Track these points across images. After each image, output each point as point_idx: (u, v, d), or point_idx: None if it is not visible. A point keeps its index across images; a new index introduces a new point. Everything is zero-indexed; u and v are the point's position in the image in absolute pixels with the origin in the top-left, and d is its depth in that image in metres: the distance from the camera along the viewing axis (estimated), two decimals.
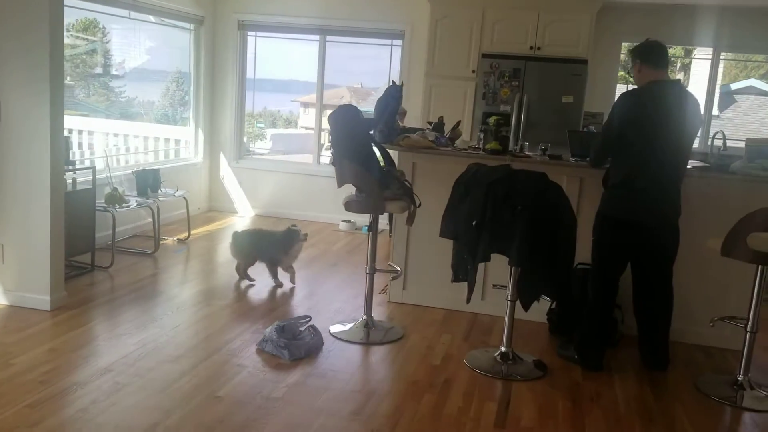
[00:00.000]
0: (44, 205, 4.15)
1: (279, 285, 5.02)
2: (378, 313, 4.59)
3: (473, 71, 6.28)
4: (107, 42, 7.84)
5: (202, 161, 7.71)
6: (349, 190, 4.10)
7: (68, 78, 8.28)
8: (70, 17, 7.00)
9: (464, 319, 4.60)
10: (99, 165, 6.66)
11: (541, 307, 4.34)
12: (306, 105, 10.60)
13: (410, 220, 4.14)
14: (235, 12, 7.47)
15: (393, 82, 4.46)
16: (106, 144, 7.79)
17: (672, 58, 11.94)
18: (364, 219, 5.97)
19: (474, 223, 3.48)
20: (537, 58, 6.14)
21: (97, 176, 5.69)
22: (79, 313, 4.24)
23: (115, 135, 7.94)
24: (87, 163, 6.65)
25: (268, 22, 7.49)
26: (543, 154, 4.39)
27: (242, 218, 7.59)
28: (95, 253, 5.20)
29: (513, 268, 3.65)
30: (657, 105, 3.64)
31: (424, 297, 4.78)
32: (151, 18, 7.48)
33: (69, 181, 4.99)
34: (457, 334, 4.32)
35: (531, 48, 6.14)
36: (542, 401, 3.46)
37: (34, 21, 4.00)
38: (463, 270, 3.69)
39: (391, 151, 4.64)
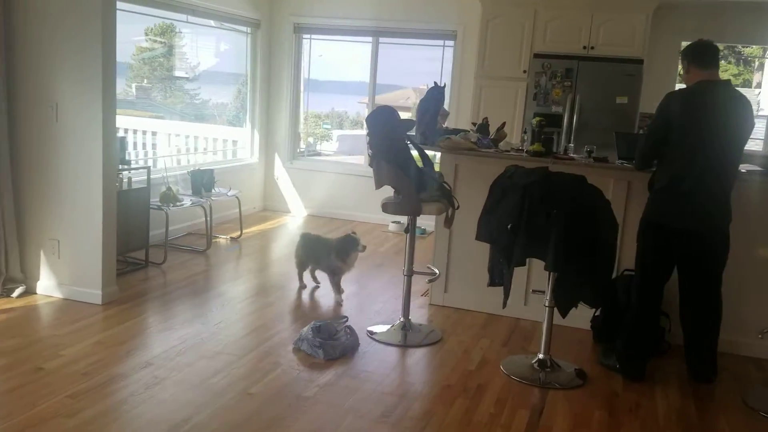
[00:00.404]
0: (97, 203, 4.32)
1: (339, 301, 4.79)
2: (418, 316, 4.58)
3: (524, 71, 6.19)
4: (183, 46, 8.11)
5: (257, 162, 7.86)
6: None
7: (145, 80, 8.65)
8: (148, 22, 7.28)
9: (505, 324, 4.54)
10: (160, 164, 6.91)
11: (586, 314, 4.25)
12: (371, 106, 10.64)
13: (448, 222, 4.12)
14: (290, 15, 7.58)
15: (435, 83, 4.43)
16: (167, 144, 8.06)
17: (749, 57, 11.45)
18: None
19: (509, 227, 3.42)
20: (590, 58, 5.99)
21: (155, 176, 5.93)
22: (129, 308, 4.39)
23: (177, 135, 8.18)
24: (150, 163, 6.86)
25: (322, 25, 7.58)
26: (588, 157, 4.28)
27: (295, 218, 7.70)
28: (149, 249, 5.37)
29: (550, 273, 3.58)
30: (704, 105, 3.50)
31: (465, 300, 4.74)
32: (211, 22, 7.71)
33: (125, 180, 5.19)
34: (496, 339, 4.26)
35: (584, 47, 6.00)
36: (578, 410, 3.37)
37: (86, 23, 4.16)
38: (499, 274, 3.64)
39: (433, 153, 4.64)
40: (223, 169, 7.23)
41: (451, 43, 7.09)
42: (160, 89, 8.52)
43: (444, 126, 4.77)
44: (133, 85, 8.77)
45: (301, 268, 5.08)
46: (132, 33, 7.70)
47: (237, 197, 6.38)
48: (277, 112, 7.87)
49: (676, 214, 3.56)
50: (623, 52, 5.92)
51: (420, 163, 4.10)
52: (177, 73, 8.92)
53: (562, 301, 3.51)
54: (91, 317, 4.19)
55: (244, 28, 7.51)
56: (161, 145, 8.05)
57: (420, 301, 4.91)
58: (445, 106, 7.00)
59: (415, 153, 4.06)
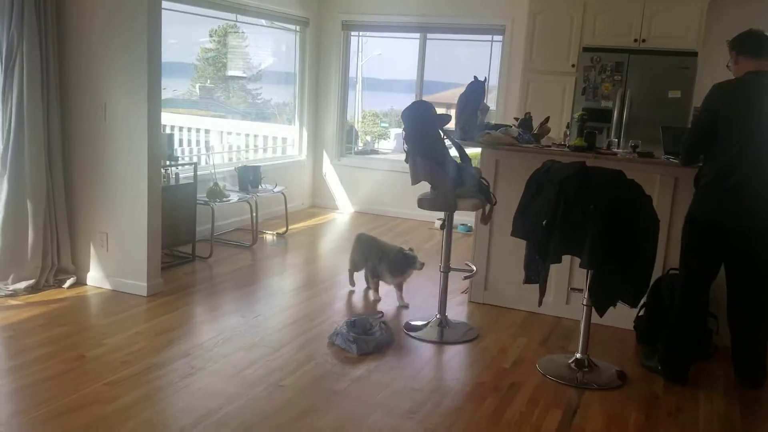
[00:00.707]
0: (142, 198, 4.44)
1: (404, 306, 4.65)
2: (456, 313, 4.54)
3: (573, 65, 6.05)
4: (246, 46, 8.29)
5: (305, 159, 7.94)
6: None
7: (208, 81, 8.88)
8: (212, 24, 7.46)
9: (545, 323, 4.45)
10: (216, 160, 7.08)
11: (629, 313, 4.13)
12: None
13: (485, 219, 4.06)
14: (339, 12, 7.62)
15: (475, 77, 4.38)
16: (220, 141, 8.24)
17: None
18: (460, 217, 5.94)
19: (544, 223, 3.35)
20: (641, 51, 5.81)
21: (203, 172, 6.06)
22: (172, 300, 4.50)
23: (229, 133, 8.35)
24: (202, 160, 7.01)
25: (370, 22, 7.59)
26: (632, 152, 4.15)
27: (342, 215, 7.74)
28: (196, 244, 5.49)
29: (588, 270, 3.49)
30: (752, 97, 3.35)
31: (505, 298, 4.67)
32: (263, 22, 7.83)
33: (172, 176, 5.32)
34: (534, 338, 4.18)
35: (635, 40, 5.82)
36: (613, 412, 3.28)
37: (131, 22, 4.28)
38: (535, 271, 3.57)
39: (474, 149, 4.59)
40: (273, 166, 7.34)
41: (500, 37, 7.00)
42: (223, 89, 8.72)
43: (486, 121, 4.71)
44: (197, 86, 9.03)
45: (353, 268, 4.95)
46: (198, 35, 7.95)
47: (283, 193, 6.46)
48: (325, 110, 7.92)
49: (722, 210, 3.42)
50: (676, 44, 5.72)
51: (459, 159, 4.06)
52: (234, 73, 9.14)
53: (600, 300, 3.41)
54: (135, 308, 4.31)
55: (293, 27, 7.59)
56: (214, 143, 8.24)
57: (460, 298, 4.87)
58: (492, 102, 6.99)
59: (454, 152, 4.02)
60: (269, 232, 6.57)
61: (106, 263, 4.64)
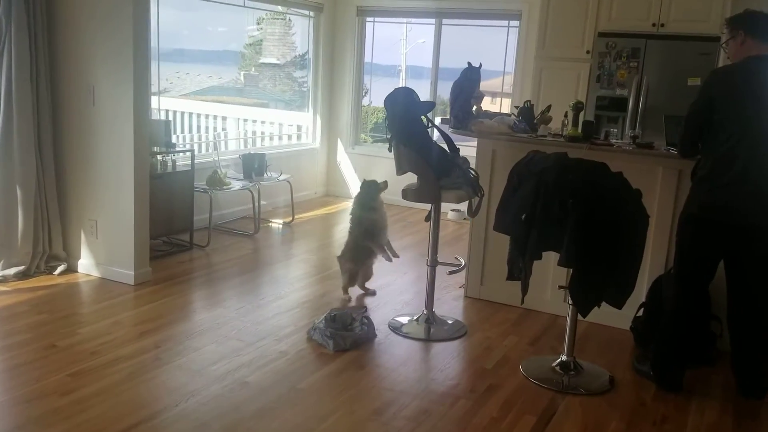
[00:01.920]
0: (129, 185, 4.38)
1: (394, 256, 4.46)
2: (450, 308, 4.38)
3: (587, 52, 5.77)
4: (293, 33, 8.26)
5: (319, 147, 7.82)
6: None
7: (253, 69, 8.89)
8: (260, 13, 7.45)
9: (540, 321, 4.25)
10: (229, 147, 7.03)
11: (629, 313, 3.90)
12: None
13: (472, 211, 3.88)
14: None
15: (469, 63, 4.18)
16: (236, 128, 8.19)
17: None
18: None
19: (523, 217, 3.15)
20: (660, 36, 5.50)
21: (206, 159, 6.01)
22: (159, 290, 4.44)
23: (245, 120, 8.28)
24: (210, 147, 6.96)
25: (386, 7, 7.41)
26: (632, 143, 3.90)
27: None
28: (194, 232, 5.43)
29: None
30: (755, 83, 3.09)
31: (501, 294, 4.47)
32: (279, 8, 7.73)
33: (168, 163, 5.27)
34: (525, 337, 3.99)
35: (653, 25, 5.51)
36: (591, 420, 3.08)
37: (119, 3, 4.20)
38: (518, 268, 3.38)
39: (463, 139, 4.40)
40: (286, 153, 7.27)
41: (516, 23, 6.74)
42: (270, 77, 8.70)
43: (483, 110, 4.50)
44: (242, 73, 9.05)
45: (350, 282, 4.54)
46: (245, 23, 7.95)
47: (288, 182, 6.35)
48: (339, 97, 7.79)
49: (719, 206, 3.17)
50: (698, 28, 5.39)
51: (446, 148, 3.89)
52: (266, 60, 9.12)
53: (581, 300, 3.20)
54: (119, 297, 4.26)
55: (306, 12, 7.47)
56: (230, 130, 8.19)
57: (457, 293, 4.70)
58: (510, 89, 6.76)
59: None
60: (275, 221, 6.49)
61: (96, 251, 4.61)
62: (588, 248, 3.02)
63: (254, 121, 8.21)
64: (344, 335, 3.68)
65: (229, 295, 4.44)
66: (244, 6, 6.67)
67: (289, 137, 7.96)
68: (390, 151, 3.79)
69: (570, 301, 3.39)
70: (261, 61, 8.77)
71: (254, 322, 3.97)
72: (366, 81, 7.94)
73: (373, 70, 10.56)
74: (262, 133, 8.02)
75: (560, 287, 3.70)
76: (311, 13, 7.50)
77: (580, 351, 3.69)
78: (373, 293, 4.52)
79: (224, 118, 8.42)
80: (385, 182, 4.43)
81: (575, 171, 3.03)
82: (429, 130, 3.90)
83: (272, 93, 8.82)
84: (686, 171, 3.82)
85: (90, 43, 4.35)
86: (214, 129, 8.31)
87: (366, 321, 3.87)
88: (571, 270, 3.28)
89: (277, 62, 8.65)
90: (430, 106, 3.84)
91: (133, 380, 3.19)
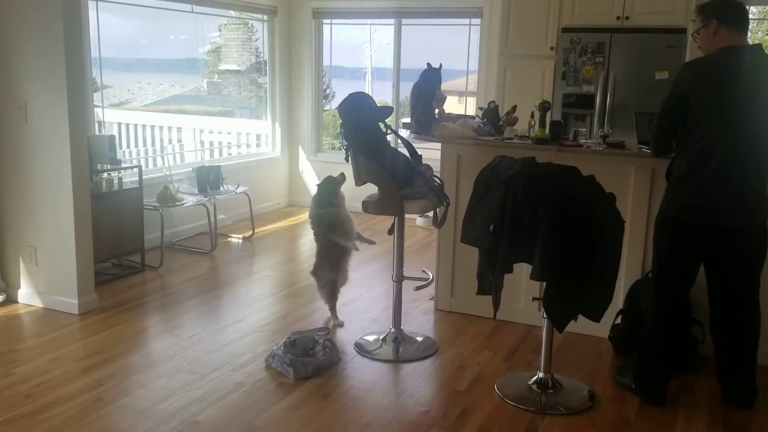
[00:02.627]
0: (68, 207, 4.06)
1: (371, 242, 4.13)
2: (418, 324, 4.13)
3: (552, 48, 5.57)
4: (256, 39, 7.91)
5: (280, 155, 7.53)
6: None
7: (216, 76, 8.57)
8: (222, 20, 7.14)
9: (515, 333, 4.02)
10: (184, 159, 6.70)
11: (606, 321, 3.69)
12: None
13: (438, 221, 3.64)
14: (309, 0, 7.19)
15: (428, 64, 3.94)
16: (192, 139, 7.85)
17: None
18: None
19: (491, 228, 2.92)
20: (625, 30, 5.33)
21: (156, 175, 5.69)
22: (106, 318, 4.12)
23: (201, 131, 7.95)
24: (158, 161, 6.63)
25: (343, 8, 7.16)
26: (602, 142, 3.70)
27: None
28: (145, 253, 5.11)
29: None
30: (731, 75, 2.89)
31: (473, 305, 4.23)
32: (232, 12, 7.44)
33: (115, 180, 4.95)
34: (500, 352, 3.76)
35: (618, 18, 5.33)
36: None
37: (49, 19, 3.89)
38: (488, 281, 3.14)
39: (427, 144, 4.17)
40: (245, 164, 6.98)
41: (477, 21, 6.53)
42: (235, 84, 8.37)
43: (446, 112, 4.27)
44: (205, 81, 8.74)
45: (332, 296, 4.15)
46: (206, 30, 7.74)
47: (247, 194, 6.06)
48: (299, 103, 7.51)
49: (696, 207, 2.97)
50: (663, 20, 5.23)
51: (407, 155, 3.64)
52: (227, 66, 8.82)
53: (556, 314, 2.98)
54: (62, 329, 3.94)
55: (260, 16, 7.17)
56: (186, 141, 7.85)
57: (426, 305, 4.46)
58: (474, 88, 6.55)
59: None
60: (234, 235, 6.18)
61: (36, 279, 4.28)
62: (561, 259, 2.80)
63: (211, 132, 7.88)
64: (305, 362, 3.42)
65: (182, 321, 4.14)
66: (192, 12, 6.35)
67: (248, 146, 7.66)
68: (347, 161, 3.53)
69: (545, 315, 3.16)
70: (221, 67, 8.51)
71: (208, 351, 3.68)
72: (332, 84, 7.68)
73: (338, 73, 10.30)
74: (220, 143, 7.71)
75: (534, 299, 3.48)
76: (265, 17, 7.20)
77: (558, 364, 3.47)
78: (341, 325, 4.20)
79: (179, 129, 8.07)
80: (342, 174, 4.06)
81: (544, 177, 2.80)
82: (388, 136, 3.64)
83: (238, 100, 8.54)
84: (660, 170, 3.63)
85: (21, 55, 4.02)
86: (170, 141, 7.96)
87: (329, 344, 3.61)
88: (544, 282, 3.05)
89: (238, 68, 8.37)
90: (388, 111, 3.59)
91: (71, 426, 2.88)
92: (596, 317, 2.96)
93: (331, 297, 4.11)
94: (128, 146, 7.57)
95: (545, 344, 3.26)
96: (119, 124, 7.73)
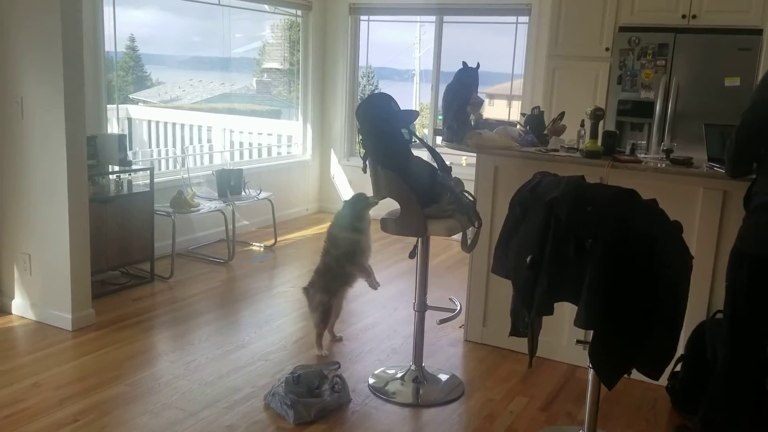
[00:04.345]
0: (63, 213, 3.70)
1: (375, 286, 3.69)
2: (444, 358, 3.66)
3: (607, 49, 5.01)
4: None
5: (311, 159, 7.12)
6: None
7: (265, 75, 8.34)
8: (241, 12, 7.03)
9: (555, 374, 3.50)
10: (216, 160, 6.38)
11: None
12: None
13: (467, 245, 3.15)
14: None
15: (464, 63, 3.46)
16: (222, 139, 7.51)
17: None
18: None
19: (528, 260, 2.42)
20: (691, 30, 4.73)
21: (174, 177, 5.35)
22: (100, 337, 3.75)
23: (231, 131, 7.60)
24: (177, 163, 6.30)
25: (381, 3, 6.70)
26: (665, 158, 3.16)
27: None
28: (155, 262, 4.74)
29: None
30: None
31: (508, 339, 3.68)
32: (266, 7, 7.07)
33: (125, 183, 4.60)
34: (536, 399, 3.25)
35: (683, 17, 4.74)
36: None
37: (46, 13, 3.55)
38: (523, 321, 2.64)
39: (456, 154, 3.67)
40: (275, 166, 6.62)
41: (525, 18, 6.00)
42: (285, 83, 8.08)
43: (483, 118, 3.78)
44: (254, 80, 8.51)
45: (324, 320, 3.68)
46: (259, 30, 7.77)
47: (270, 200, 5.65)
48: (332, 104, 7.08)
49: None
50: (735, 20, 4.62)
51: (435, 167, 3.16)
52: (270, 65, 8.54)
53: (605, 369, 2.46)
54: (51, 348, 3.58)
55: (294, 11, 6.78)
56: (216, 141, 7.52)
57: (455, 335, 3.97)
58: (520, 93, 6.03)
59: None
60: (256, 244, 5.79)
61: (30, 289, 3.94)
62: (613, 304, 2.28)
63: (241, 132, 7.52)
64: (308, 403, 2.96)
65: (180, 344, 3.73)
66: (219, 5, 5.98)
67: (279, 148, 7.27)
68: (365, 172, 3.07)
69: (590, 365, 2.64)
70: (264, 66, 8.23)
71: (203, 383, 3.26)
72: (380, 86, 7.25)
73: (387, 74, 9.86)
74: (250, 144, 7.35)
75: (578, 342, 2.95)
76: (299, 12, 6.80)
77: (604, 417, 2.96)
78: (339, 339, 3.78)
79: (209, 129, 7.74)
80: (375, 197, 3.46)
81: (595, 201, 2.29)
82: (413, 144, 3.17)
83: (287, 99, 8.22)
84: (733, 192, 3.09)
85: (16, 48, 3.68)
86: (199, 141, 7.64)
87: (338, 381, 3.15)
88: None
89: (280, 67, 8.03)
90: (413, 115, 3.13)
91: None
92: (655, 375, 2.43)
93: (322, 323, 3.65)
94: (156, 146, 7.29)
95: (591, 396, 2.74)
96: (149, 122, 7.48)
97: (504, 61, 6.48)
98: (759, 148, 2.51)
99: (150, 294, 4.49)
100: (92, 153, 4.25)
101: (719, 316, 3.13)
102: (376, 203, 3.40)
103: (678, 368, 3.20)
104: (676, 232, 2.37)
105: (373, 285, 3.65)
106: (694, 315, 3.23)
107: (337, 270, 3.56)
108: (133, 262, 4.67)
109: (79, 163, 3.73)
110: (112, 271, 4.61)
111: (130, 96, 8.49)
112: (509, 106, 7.30)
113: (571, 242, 2.30)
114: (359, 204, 3.59)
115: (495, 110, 8.32)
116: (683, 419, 3.05)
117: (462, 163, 6.59)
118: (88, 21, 4.52)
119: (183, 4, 5.93)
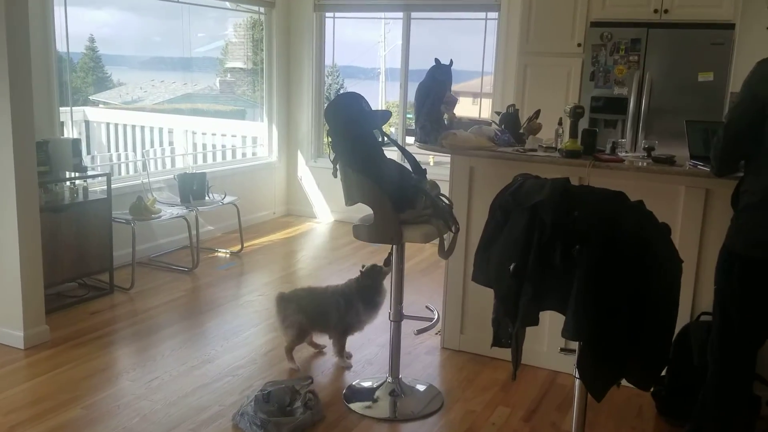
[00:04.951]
0: (11, 223, 3.46)
1: (348, 366, 3.51)
2: (422, 367, 3.51)
3: (579, 45, 4.92)
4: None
5: (277, 160, 6.92)
6: None
7: (228, 75, 8.12)
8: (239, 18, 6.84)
9: (536, 381, 3.38)
10: (178, 164, 6.11)
11: None
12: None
13: (444, 251, 3.00)
14: None
15: (436, 60, 3.32)
16: (184, 142, 7.25)
17: None
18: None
19: (511, 268, 2.28)
20: (664, 24, 4.67)
21: (134, 182, 5.12)
22: (55, 355, 3.52)
23: (194, 133, 7.35)
24: (139, 166, 6.05)
25: (346, 1, 6.53)
26: (646, 156, 3.05)
27: (320, 224, 6.71)
28: (114, 272, 4.51)
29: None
30: None
31: (486, 345, 3.53)
32: (228, 4, 6.87)
33: (80, 190, 4.36)
34: (518, 407, 3.12)
35: (655, 11, 4.67)
36: None
37: None
38: (506, 331, 2.50)
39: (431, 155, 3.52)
40: (240, 169, 6.40)
41: (495, 14, 5.89)
42: (249, 83, 7.86)
43: (457, 117, 3.64)
44: (218, 80, 8.29)
45: (298, 340, 3.51)
46: (222, 29, 7.67)
47: (235, 204, 5.45)
48: (298, 104, 6.89)
49: None
50: (708, 14, 4.57)
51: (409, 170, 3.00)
52: (233, 65, 8.33)
53: (594, 380, 2.33)
54: (0, 369, 3.34)
55: (256, 8, 6.57)
56: (178, 144, 7.26)
57: (431, 342, 3.82)
58: (490, 90, 5.91)
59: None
60: (222, 250, 5.58)
61: None
62: (604, 312, 2.15)
63: (204, 134, 7.28)
64: (280, 422, 2.79)
65: (142, 360, 3.52)
66: (180, 2, 5.75)
67: (244, 151, 7.05)
68: (335, 176, 2.91)
69: (577, 374, 2.51)
70: (227, 65, 8.02)
71: (166, 402, 3.06)
72: (345, 85, 7.08)
73: (352, 73, 9.67)
74: (213, 146, 7.11)
75: (562, 350, 2.82)
76: (262, 10, 6.60)
77: (589, 425, 2.82)
78: (321, 349, 3.63)
79: (171, 131, 7.48)
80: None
81: (583, 205, 2.16)
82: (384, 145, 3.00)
83: (251, 99, 8.01)
84: (716, 190, 3.00)
85: None
86: (159, 144, 7.37)
87: (311, 397, 2.98)
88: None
89: (244, 66, 7.81)
90: (385, 116, 2.97)
91: None
92: (646, 385, 2.32)
93: (298, 339, 3.47)
94: (116, 149, 7.01)
95: (577, 406, 2.61)
96: (107, 125, 7.20)
97: (473, 58, 6.37)
98: (748, 145, 2.41)
99: (109, 306, 4.26)
100: (44, 159, 4.03)
101: (704, 318, 3.05)
102: (390, 270, 3.25)
103: (663, 373, 3.10)
104: (665, 235, 2.25)
105: (343, 363, 3.51)
106: (677, 318, 3.13)
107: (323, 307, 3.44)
108: (91, 273, 4.43)
109: (29, 170, 3.50)
110: (68, 283, 4.37)
111: (91, 98, 8.23)
112: (477, 103, 7.19)
113: (558, 249, 2.16)
114: (374, 276, 3.48)
115: (463, 108, 8.25)
116: (670, 425, 2.95)
117: (429, 162, 6.48)
118: (38, 21, 4.28)
119: (143, 3, 5.72)
